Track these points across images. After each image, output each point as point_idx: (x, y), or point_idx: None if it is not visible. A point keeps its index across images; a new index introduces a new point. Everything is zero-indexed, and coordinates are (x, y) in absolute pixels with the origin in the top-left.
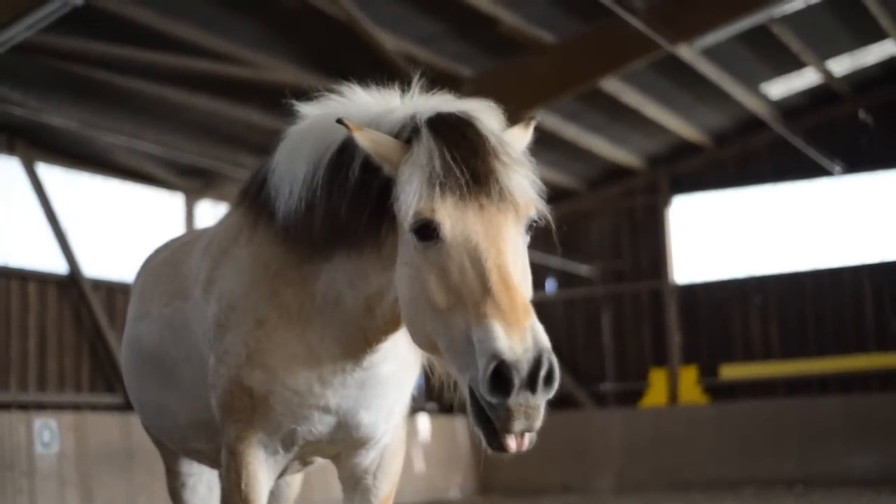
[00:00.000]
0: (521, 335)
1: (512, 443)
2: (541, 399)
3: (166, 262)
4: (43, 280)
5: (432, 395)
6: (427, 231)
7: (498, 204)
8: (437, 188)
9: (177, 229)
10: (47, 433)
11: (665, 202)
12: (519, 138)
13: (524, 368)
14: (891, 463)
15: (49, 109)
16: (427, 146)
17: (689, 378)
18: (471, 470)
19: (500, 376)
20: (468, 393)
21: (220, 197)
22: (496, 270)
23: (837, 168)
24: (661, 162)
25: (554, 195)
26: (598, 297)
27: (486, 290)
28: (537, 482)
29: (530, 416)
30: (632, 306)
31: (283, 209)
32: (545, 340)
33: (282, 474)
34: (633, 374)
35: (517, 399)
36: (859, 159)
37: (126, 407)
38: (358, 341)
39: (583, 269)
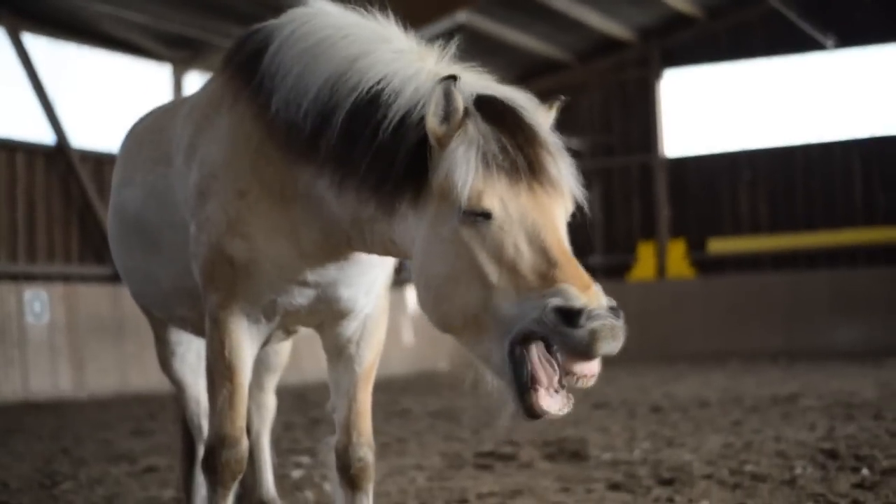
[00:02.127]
0: (594, 296)
1: (551, 401)
2: (622, 323)
3: (150, 129)
4: (31, 151)
5: None
6: (481, 209)
7: (548, 190)
8: (494, 169)
9: (164, 100)
10: (38, 304)
11: (656, 75)
12: (552, 114)
13: (599, 313)
14: (874, 336)
15: None
16: (482, 127)
17: (676, 252)
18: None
19: (570, 313)
20: (507, 352)
21: (207, 68)
22: (557, 244)
23: (830, 42)
24: (652, 35)
25: (544, 67)
26: (587, 171)
27: (550, 262)
28: None
29: (616, 335)
30: (621, 180)
31: (279, 107)
32: (613, 301)
33: (266, 343)
34: (622, 248)
35: (602, 321)
36: (852, 33)
37: (116, 278)
38: (341, 242)
39: (572, 142)
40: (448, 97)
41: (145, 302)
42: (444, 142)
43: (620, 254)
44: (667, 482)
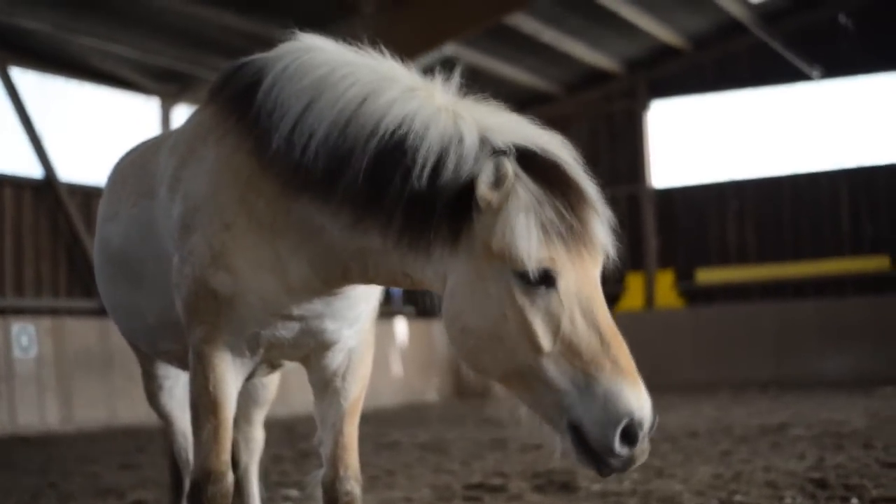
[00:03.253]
0: (643, 394)
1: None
2: (647, 443)
3: (134, 163)
4: (18, 185)
5: (410, 299)
6: (542, 279)
7: (593, 253)
8: (554, 237)
9: (152, 134)
10: (25, 338)
11: (643, 106)
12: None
13: (646, 425)
14: (863, 365)
15: (22, 12)
16: (533, 190)
17: (665, 282)
18: (448, 373)
19: (628, 431)
20: (568, 429)
21: (196, 101)
22: (607, 322)
23: (816, 72)
24: (639, 66)
25: (532, 99)
26: None
27: (604, 342)
28: None
29: (643, 458)
30: (609, 211)
31: (279, 146)
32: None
33: (250, 377)
34: (610, 278)
35: (640, 448)
36: (838, 64)
37: (104, 311)
38: (335, 275)
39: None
40: (499, 168)
41: (130, 336)
42: (493, 202)
43: (609, 284)
44: None
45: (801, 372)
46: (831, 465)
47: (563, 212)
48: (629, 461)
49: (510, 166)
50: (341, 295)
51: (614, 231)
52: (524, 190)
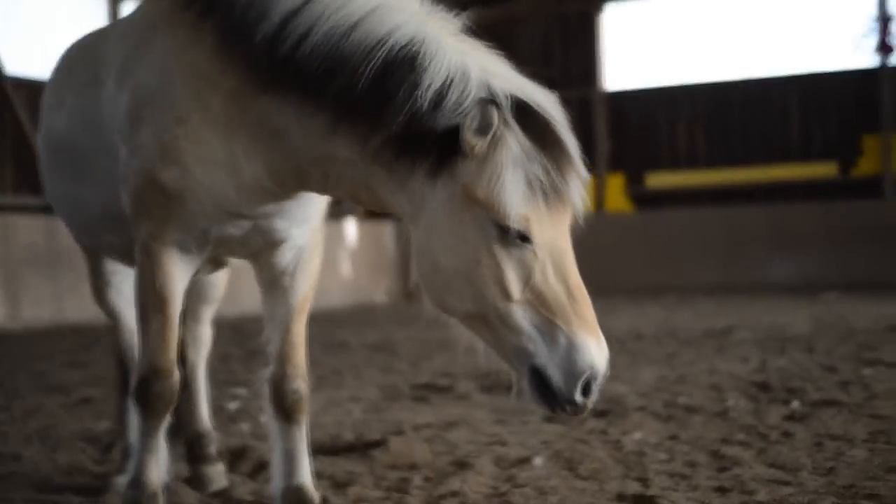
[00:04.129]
0: (604, 350)
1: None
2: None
3: (81, 52)
4: None
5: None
6: (520, 232)
7: (567, 209)
8: (537, 192)
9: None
10: None
11: (597, 8)
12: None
13: (601, 377)
14: (809, 271)
15: None
16: (523, 144)
17: (615, 186)
18: (397, 274)
19: (588, 384)
20: (529, 373)
21: None
22: (576, 278)
23: None
24: None
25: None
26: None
27: (572, 297)
28: None
29: (592, 405)
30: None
31: (266, 38)
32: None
33: (196, 273)
34: None
35: (593, 398)
36: None
37: (52, 209)
38: (290, 179)
39: None
40: (485, 115)
41: (75, 229)
42: (478, 149)
43: None
44: (601, 414)
45: (748, 277)
46: (774, 369)
47: (549, 169)
48: (582, 409)
49: (497, 116)
50: (292, 196)
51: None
52: (515, 142)
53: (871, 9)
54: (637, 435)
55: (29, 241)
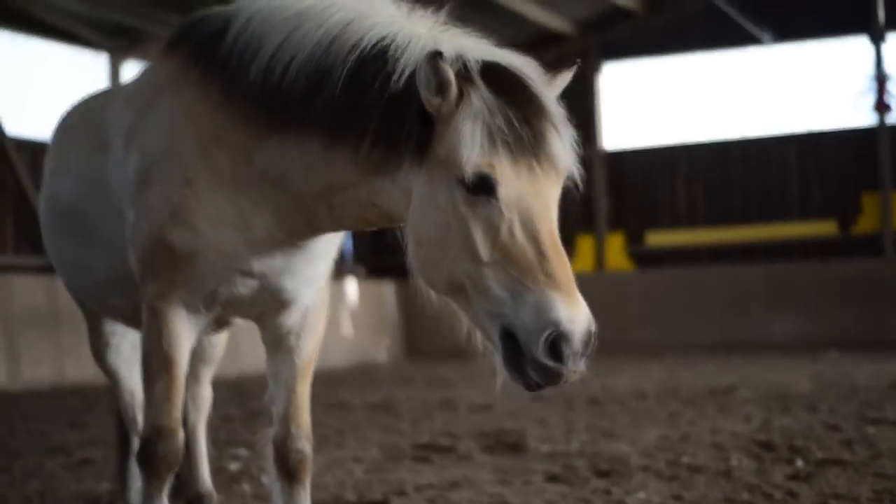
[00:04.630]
0: (577, 306)
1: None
2: (584, 364)
3: (85, 116)
4: None
5: (360, 259)
6: (482, 186)
7: (546, 168)
8: (499, 145)
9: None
10: None
11: (595, 68)
12: (559, 84)
13: (577, 339)
14: (809, 329)
15: None
16: (487, 99)
17: (615, 244)
18: (398, 334)
19: (555, 343)
20: (500, 336)
21: (145, 57)
22: (548, 235)
23: (767, 36)
24: (592, 28)
25: None
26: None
27: (540, 253)
28: (464, 346)
29: (572, 379)
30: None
31: (258, 75)
32: (590, 312)
33: (203, 334)
34: (561, 240)
35: (569, 366)
36: (789, 28)
37: (52, 269)
38: (299, 224)
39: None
40: (437, 71)
41: (78, 293)
42: (444, 111)
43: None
44: (604, 474)
45: (748, 335)
46: (777, 428)
47: (515, 122)
48: (554, 375)
49: (450, 73)
50: (302, 250)
51: (575, 149)
52: (478, 98)
53: (869, 68)
54: (640, 495)
55: (29, 301)
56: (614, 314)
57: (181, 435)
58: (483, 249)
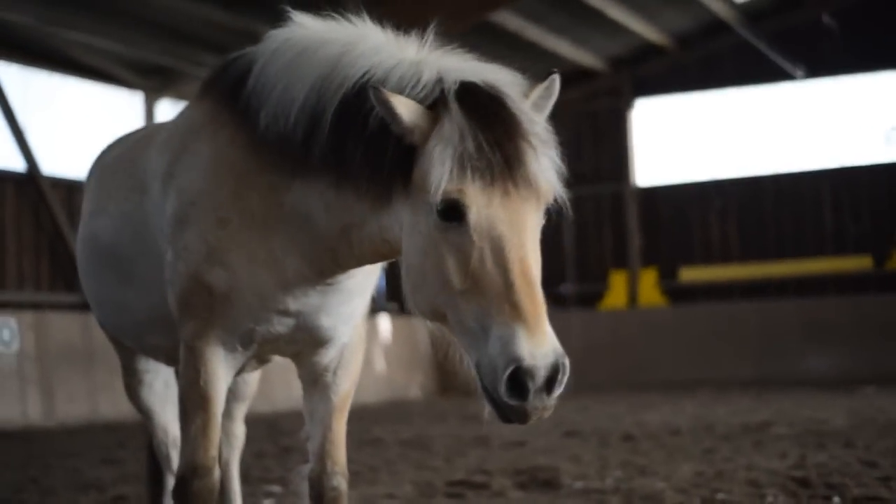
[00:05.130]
0: (540, 340)
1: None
2: (554, 399)
3: (123, 157)
4: (1, 178)
5: (393, 296)
6: (452, 213)
7: (523, 191)
8: (469, 171)
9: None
10: (7, 332)
11: (627, 105)
12: (545, 103)
13: (541, 375)
14: (844, 365)
15: (6, 4)
16: (458, 123)
17: (648, 280)
18: (431, 370)
19: (517, 380)
20: (475, 370)
21: (179, 96)
22: (518, 264)
23: (800, 72)
24: (624, 64)
25: None
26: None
27: (507, 283)
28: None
29: (542, 415)
30: (593, 208)
31: (267, 122)
32: (559, 344)
33: (239, 372)
34: (593, 276)
35: (534, 402)
36: (822, 64)
37: (86, 306)
38: (326, 262)
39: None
40: (381, 103)
41: (116, 331)
42: (416, 139)
43: (592, 282)
44: None
45: (782, 371)
46: (813, 464)
47: (485, 146)
48: (518, 413)
49: (394, 103)
50: (336, 288)
51: (556, 166)
52: (449, 122)
53: None
54: None
55: (64, 338)
56: (647, 350)
57: (217, 472)
58: (455, 278)
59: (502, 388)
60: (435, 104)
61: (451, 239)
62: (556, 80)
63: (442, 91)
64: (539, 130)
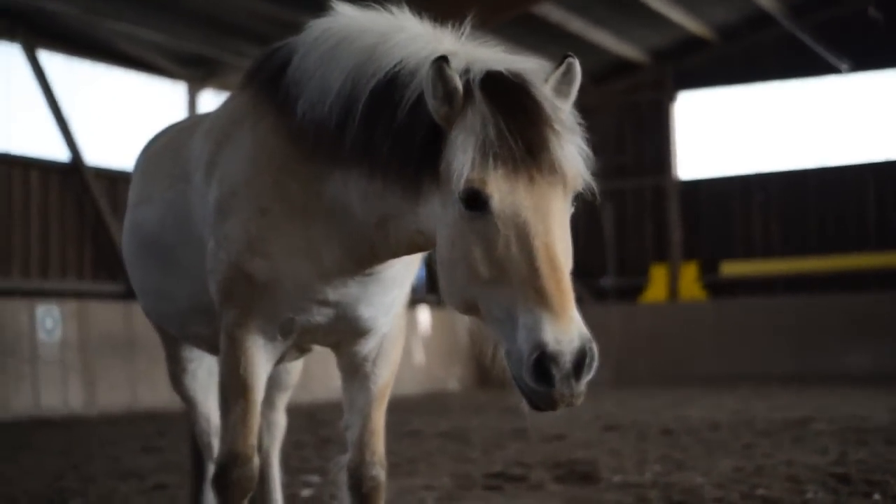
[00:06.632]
0: (565, 325)
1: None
2: (582, 386)
3: (167, 147)
4: (45, 168)
5: (432, 288)
6: (476, 201)
7: (548, 177)
8: (490, 158)
9: (179, 118)
10: (50, 320)
11: (670, 98)
12: (570, 90)
13: (567, 360)
14: (886, 360)
15: None
16: (481, 112)
17: (689, 274)
18: (470, 362)
19: (542, 366)
20: (505, 359)
21: (222, 86)
22: (543, 250)
23: (845, 65)
24: (666, 57)
25: None
26: (600, 192)
27: (532, 269)
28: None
29: (572, 402)
30: (634, 202)
31: (305, 110)
32: (586, 330)
33: (279, 361)
34: (634, 270)
35: (560, 389)
36: (867, 57)
37: (128, 295)
38: (364, 252)
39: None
40: (442, 78)
41: (160, 319)
42: (450, 124)
43: (633, 276)
44: None
45: (823, 366)
46: (854, 461)
47: (507, 133)
48: (545, 399)
49: (456, 79)
50: (375, 278)
51: (583, 153)
52: (472, 111)
53: None
54: None
55: (106, 328)
56: (687, 344)
57: (256, 461)
58: (482, 267)
59: (528, 375)
60: (464, 94)
61: (477, 228)
62: (573, 64)
63: (468, 80)
64: (563, 117)
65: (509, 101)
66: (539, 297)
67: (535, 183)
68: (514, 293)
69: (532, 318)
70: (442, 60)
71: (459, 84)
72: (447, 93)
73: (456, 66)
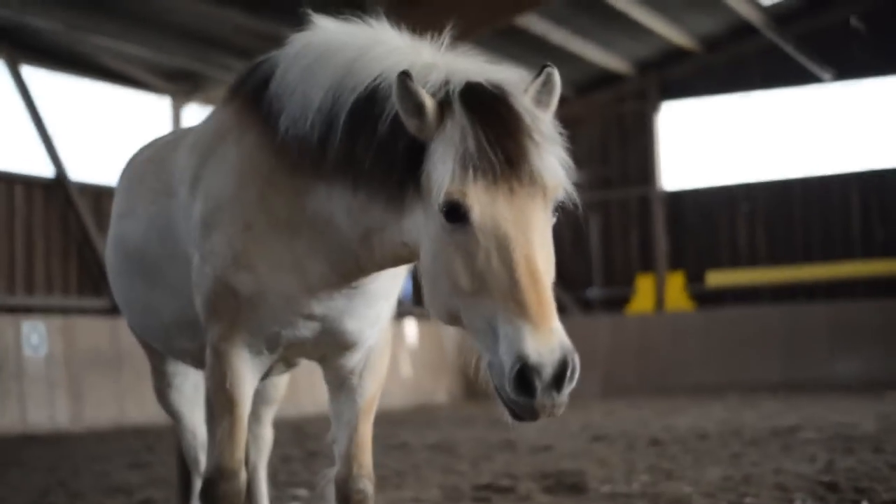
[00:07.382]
0: (547, 336)
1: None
2: (564, 397)
3: (151, 160)
4: (29, 183)
5: (419, 300)
6: (456, 213)
7: (528, 188)
8: (470, 170)
9: (163, 132)
10: (35, 336)
11: (654, 108)
12: (550, 101)
13: (548, 371)
14: (873, 369)
15: (34, 10)
16: (460, 124)
17: (675, 284)
18: (458, 375)
19: (524, 377)
20: (488, 371)
21: (206, 100)
22: (524, 261)
23: (828, 75)
24: (650, 68)
25: None
26: (585, 203)
27: (513, 281)
28: None
29: (553, 412)
30: (619, 212)
31: (288, 126)
32: (568, 340)
33: (266, 375)
34: (620, 281)
35: (542, 399)
36: (850, 66)
37: (114, 310)
38: (349, 266)
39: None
40: (407, 92)
41: (144, 333)
42: (425, 135)
43: (619, 286)
44: None
45: (811, 375)
46: (842, 469)
47: (486, 144)
48: (527, 410)
49: (421, 93)
50: (361, 291)
51: (564, 162)
52: (452, 122)
53: None
54: None
55: (92, 343)
56: (675, 354)
57: (244, 475)
58: (463, 279)
59: (510, 386)
60: (443, 105)
61: (458, 240)
62: (552, 73)
63: (447, 92)
64: (543, 127)
65: (489, 112)
66: (520, 308)
67: (515, 194)
68: (496, 305)
69: (513, 329)
70: (404, 76)
71: (425, 97)
72: (415, 105)
73: (435, 77)
